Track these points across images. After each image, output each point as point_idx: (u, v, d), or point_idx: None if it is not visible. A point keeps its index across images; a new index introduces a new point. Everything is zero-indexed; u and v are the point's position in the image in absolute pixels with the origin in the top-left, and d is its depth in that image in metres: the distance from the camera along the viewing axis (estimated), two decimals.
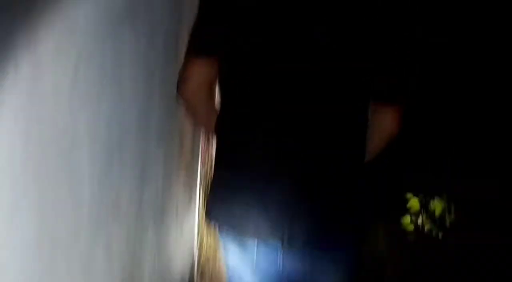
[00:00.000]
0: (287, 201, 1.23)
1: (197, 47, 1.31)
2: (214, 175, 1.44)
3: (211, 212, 1.38)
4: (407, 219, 2.96)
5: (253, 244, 1.27)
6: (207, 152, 2.79)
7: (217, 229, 1.41)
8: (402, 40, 1.26)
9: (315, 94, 1.24)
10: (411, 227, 2.96)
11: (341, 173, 1.26)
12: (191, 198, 2.47)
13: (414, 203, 2.95)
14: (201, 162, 2.60)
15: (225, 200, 1.31)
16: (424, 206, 2.99)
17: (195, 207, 2.61)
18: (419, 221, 2.97)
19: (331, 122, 1.25)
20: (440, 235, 2.93)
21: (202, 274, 2.71)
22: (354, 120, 1.28)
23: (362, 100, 1.28)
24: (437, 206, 2.95)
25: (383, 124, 1.32)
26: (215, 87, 1.38)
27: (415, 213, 2.97)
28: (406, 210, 2.97)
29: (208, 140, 2.71)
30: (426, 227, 2.97)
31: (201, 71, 1.30)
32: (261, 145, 1.26)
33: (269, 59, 1.24)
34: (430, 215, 2.97)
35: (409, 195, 3.00)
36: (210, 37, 1.28)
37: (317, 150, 1.24)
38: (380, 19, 1.22)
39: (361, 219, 1.33)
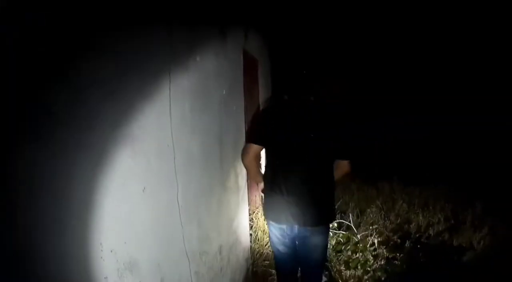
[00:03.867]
0: (301, 208, 2.50)
1: (252, 140, 2.52)
2: (264, 197, 2.70)
3: (265, 214, 2.67)
4: None
5: (285, 226, 2.60)
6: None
7: (267, 220, 2.72)
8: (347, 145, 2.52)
9: (309, 164, 2.47)
10: None
11: (323, 196, 2.55)
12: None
13: None
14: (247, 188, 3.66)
15: (271, 208, 2.61)
16: None
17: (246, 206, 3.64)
18: None
19: (319, 173, 2.51)
20: None
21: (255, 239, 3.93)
22: (331, 172, 2.55)
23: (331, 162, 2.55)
24: None
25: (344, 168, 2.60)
26: (259, 159, 2.60)
27: None
28: None
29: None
30: None
31: (253, 150, 2.51)
32: (284, 185, 2.50)
33: (284, 152, 2.47)
34: None
35: None
36: (258, 138, 2.50)
37: (313, 186, 2.49)
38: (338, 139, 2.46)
39: (330, 216, 2.65)
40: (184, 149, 1.83)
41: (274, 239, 2.74)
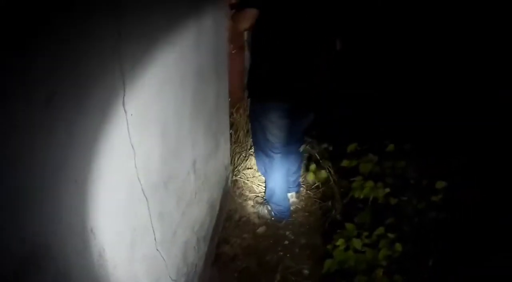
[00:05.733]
0: (305, 85, 2.44)
1: (252, 3, 2.21)
2: (261, 76, 2.43)
3: (262, 93, 2.47)
4: None
5: (286, 105, 2.47)
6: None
7: (261, 101, 2.51)
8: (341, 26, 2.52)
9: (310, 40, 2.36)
10: None
11: (324, 74, 2.49)
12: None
13: None
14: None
15: (271, 87, 2.42)
16: None
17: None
18: None
19: (320, 49, 2.42)
20: None
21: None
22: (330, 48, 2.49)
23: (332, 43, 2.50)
24: None
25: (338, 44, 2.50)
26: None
27: None
28: None
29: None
30: None
31: (251, 16, 2.22)
32: (286, 63, 2.35)
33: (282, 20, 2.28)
34: None
35: None
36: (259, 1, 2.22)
37: (316, 62, 2.41)
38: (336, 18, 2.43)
39: (319, 104, 2.64)
40: (134, 37, 1.04)
41: (270, 116, 2.48)
